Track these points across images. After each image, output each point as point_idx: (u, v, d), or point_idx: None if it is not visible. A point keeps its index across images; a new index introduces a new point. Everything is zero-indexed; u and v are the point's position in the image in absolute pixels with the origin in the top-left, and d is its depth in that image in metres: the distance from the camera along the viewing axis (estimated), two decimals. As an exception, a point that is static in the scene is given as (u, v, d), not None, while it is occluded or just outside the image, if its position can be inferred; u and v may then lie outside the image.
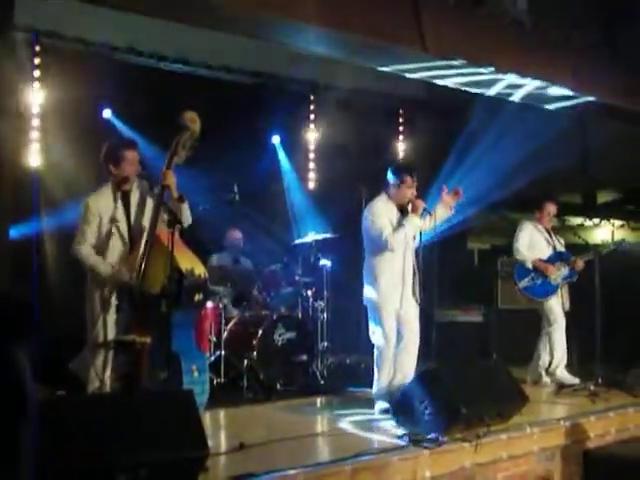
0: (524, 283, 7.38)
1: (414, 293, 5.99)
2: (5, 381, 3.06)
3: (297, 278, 7.97)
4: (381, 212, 5.98)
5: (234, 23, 5.91)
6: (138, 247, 5.04)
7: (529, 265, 7.34)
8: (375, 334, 5.99)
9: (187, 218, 5.15)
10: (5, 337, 2.99)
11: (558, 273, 7.32)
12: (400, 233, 5.88)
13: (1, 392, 2.88)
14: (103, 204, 5.19)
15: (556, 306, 7.30)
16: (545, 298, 7.31)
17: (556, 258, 7.39)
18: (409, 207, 6.00)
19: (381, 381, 6.00)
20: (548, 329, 7.28)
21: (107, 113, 8.24)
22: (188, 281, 4.89)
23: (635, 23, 7.98)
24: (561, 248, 7.53)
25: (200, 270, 5.04)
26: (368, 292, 6.04)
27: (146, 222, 5.13)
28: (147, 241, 4.99)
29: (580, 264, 7.33)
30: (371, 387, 6.16)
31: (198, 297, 5.06)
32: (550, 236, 7.54)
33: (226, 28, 6.30)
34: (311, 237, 8.09)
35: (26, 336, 3.33)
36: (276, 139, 9.72)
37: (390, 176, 6.05)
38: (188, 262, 4.96)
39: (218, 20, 5.94)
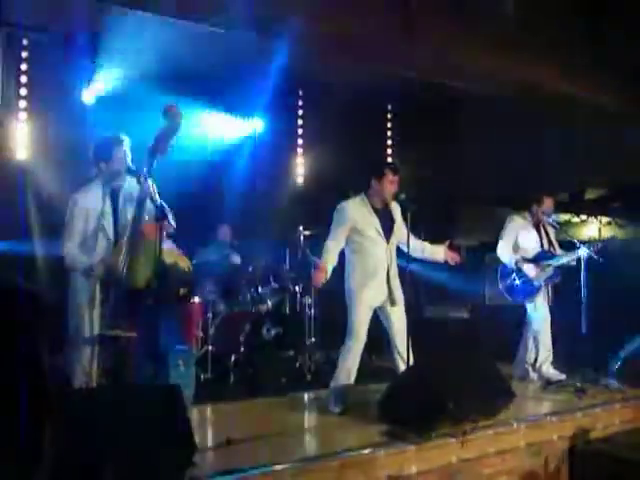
0: (506, 283, 7.33)
1: (392, 296, 5.97)
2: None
3: (285, 274, 7.97)
4: (346, 215, 5.95)
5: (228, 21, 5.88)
6: (122, 242, 5.03)
7: (512, 266, 7.29)
8: (348, 326, 6.00)
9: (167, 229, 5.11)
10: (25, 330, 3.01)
11: (541, 274, 7.26)
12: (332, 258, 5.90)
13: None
14: (91, 200, 5.18)
15: (541, 303, 7.28)
16: (525, 300, 7.27)
17: (542, 258, 7.32)
18: (393, 213, 6.05)
19: (339, 378, 5.92)
20: (534, 326, 7.27)
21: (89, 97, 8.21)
22: (172, 275, 4.88)
23: (621, 23, 8.02)
24: (549, 247, 7.43)
25: (184, 264, 5.04)
26: (346, 285, 6.06)
27: (132, 218, 5.11)
28: (131, 235, 4.97)
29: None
30: (359, 384, 6.16)
31: (183, 291, 5.06)
32: (540, 233, 7.45)
33: (216, 24, 6.28)
34: (299, 233, 8.08)
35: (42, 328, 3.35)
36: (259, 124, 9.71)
37: (372, 172, 6.06)
38: (172, 256, 4.94)
39: (206, 16, 5.93)
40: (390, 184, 5.98)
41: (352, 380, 5.93)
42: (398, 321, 5.93)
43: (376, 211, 6.02)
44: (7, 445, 3.64)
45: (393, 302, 5.94)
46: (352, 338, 5.90)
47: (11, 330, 4.06)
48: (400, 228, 6.01)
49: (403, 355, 5.80)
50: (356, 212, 5.97)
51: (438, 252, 6.22)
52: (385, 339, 6.08)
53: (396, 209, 6.09)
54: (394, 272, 6.02)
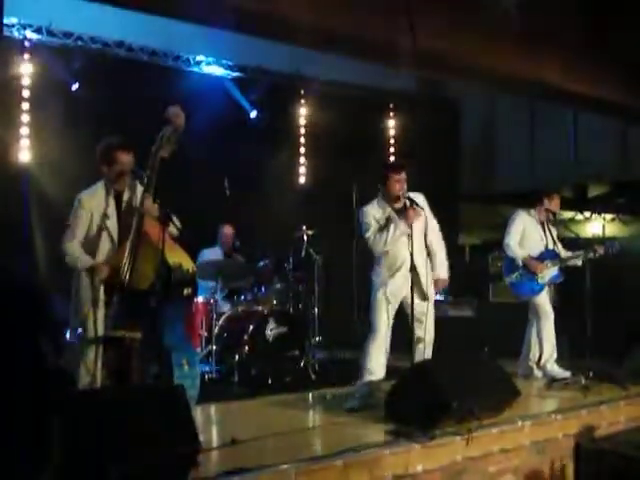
0: (511, 279, 7.29)
1: (420, 290, 5.97)
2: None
3: (288, 273, 7.97)
4: (366, 213, 6.05)
5: (220, 16, 5.86)
6: (125, 243, 5.03)
7: (519, 262, 7.27)
8: (369, 322, 6.04)
9: (173, 232, 5.11)
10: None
11: (546, 272, 7.21)
12: (383, 233, 5.93)
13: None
14: (95, 202, 5.20)
15: (545, 301, 7.25)
16: (530, 296, 7.23)
17: (547, 256, 7.28)
18: (404, 207, 6.06)
19: (363, 375, 5.96)
20: (537, 324, 7.25)
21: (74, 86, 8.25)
22: (176, 275, 4.88)
23: (625, 17, 7.98)
24: (553, 246, 7.40)
25: (188, 264, 5.04)
26: (372, 281, 6.13)
27: (135, 220, 5.11)
28: (135, 237, 4.98)
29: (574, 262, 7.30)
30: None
31: (187, 291, 5.06)
32: (544, 231, 7.42)
33: (216, 23, 6.26)
34: (302, 232, 8.08)
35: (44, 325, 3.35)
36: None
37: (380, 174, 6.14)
38: (176, 257, 4.94)
39: (209, 14, 5.91)
40: (397, 183, 6.01)
41: (379, 376, 5.96)
42: (424, 316, 5.97)
43: (393, 209, 6.07)
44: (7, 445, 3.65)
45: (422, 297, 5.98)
46: (374, 334, 5.97)
47: (12, 329, 4.07)
48: (419, 222, 6.00)
49: (428, 352, 5.94)
50: (377, 213, 6.05)
51: (435, 273, 6.19)
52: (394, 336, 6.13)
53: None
54: (420, 266, 5.97)
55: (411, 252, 5.86)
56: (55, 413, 3.67)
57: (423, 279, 5.97)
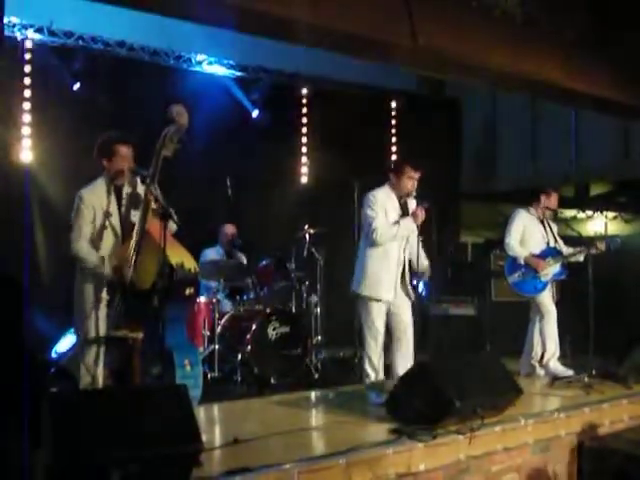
0: (513, 278, 7.27)
1: (406, 289, 6.08)
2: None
3: (291, 272, 7.97)
4: (377, 200, 6.05)
5: (220, 15, 5.85)
6: (129, 242, 5.02)
7: (521, 261, 7.26)
8: (363, 326, 6.07)
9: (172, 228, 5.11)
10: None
11: (549, 269, 7.22)
12: (393, 228, 5.94)
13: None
14: (96, 198, 5.18)
15: (547, 299, 7.25)
16: (533, 295, 7.23)
17: (549, 253, 7.29)
18: (410, 208, 6.07)
19: (369, 374, 6.08)
20: (540, 322, 7.24)
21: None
22: (179, 275, 4.88)
23: (626, 15, 7.97)
24: (554, 244, 7.40)
25: (190, 264, 5.03)
26: (357, 283, 6.11)
27: (137, 217, 5.10)
28: (137, 236, 4.97)
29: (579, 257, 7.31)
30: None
31: (189, 291, 5.06)
32: (545, 229, 7.42)
33: (215, 22, 6.26)
34: (305, 231, 8.08)
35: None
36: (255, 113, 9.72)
37: (392, 166, 6.20)
38: (178, 256, 4.93)
39: (209, 13, 5.91)
40: (408, 180, 6.04)
41: (381, 372, 6.07)
42: (405, 315, 6.01)
43: (400, 206, 6.13)
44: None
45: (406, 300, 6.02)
46: (370, 331, 6.01)
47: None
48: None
49: (408, 350, 5.87)
50: (386, 198, 6.07)
51: (420, 261, 6.25)
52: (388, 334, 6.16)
53: (412, 205, 6.14)
54: (406, 266, 6.08)
55: (416, 251, 5.92)
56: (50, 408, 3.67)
57: (406, 282, 6.07)
